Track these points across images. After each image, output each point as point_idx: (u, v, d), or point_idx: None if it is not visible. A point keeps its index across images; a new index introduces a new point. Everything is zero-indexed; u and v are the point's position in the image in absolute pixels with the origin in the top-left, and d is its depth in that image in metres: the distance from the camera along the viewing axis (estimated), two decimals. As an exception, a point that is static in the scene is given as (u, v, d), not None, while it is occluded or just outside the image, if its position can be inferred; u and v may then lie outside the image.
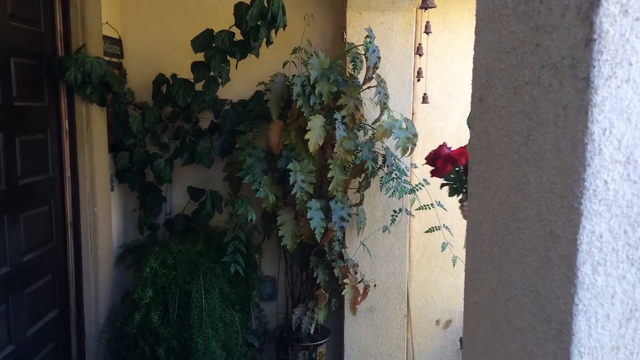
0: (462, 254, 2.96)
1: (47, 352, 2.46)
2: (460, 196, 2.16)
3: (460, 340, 3.33)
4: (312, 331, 2.91)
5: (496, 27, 0.82)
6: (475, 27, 0.90)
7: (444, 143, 2.22)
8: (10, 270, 2.16)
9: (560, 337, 0.65)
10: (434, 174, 2.25)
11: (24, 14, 2.28)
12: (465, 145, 2.14)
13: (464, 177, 2.11)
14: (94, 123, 2.65)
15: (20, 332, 2.24)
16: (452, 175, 2.15)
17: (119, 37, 3.00)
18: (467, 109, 2.92)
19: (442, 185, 2.25)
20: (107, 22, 2.82)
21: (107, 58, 2.72)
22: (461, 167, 2.12)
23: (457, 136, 3.16)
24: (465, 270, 0.95)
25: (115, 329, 2.71)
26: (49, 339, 2.48)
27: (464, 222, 3.63)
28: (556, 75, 0.66)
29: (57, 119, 2.55)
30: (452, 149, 2.18)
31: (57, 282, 2.56)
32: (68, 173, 2.60)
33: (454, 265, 2.88)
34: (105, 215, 2.78)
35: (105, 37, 2.80)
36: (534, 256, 0.71)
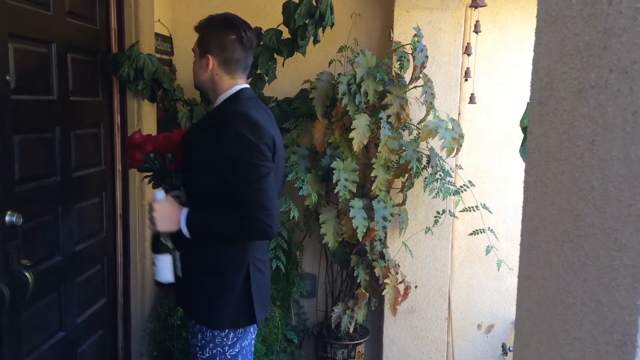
0: (507, 258, 2.91)
1: (95, 339, 2.54)
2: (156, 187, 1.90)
3: (503, 346, 3.26)
4: (351, 330, 2.91)
5: (559, 28, 0.80)
6: (536, 28, 0.88)
7: (138, 130, 1.91)
8: (63, 259, 2.24)
9: (623, 348, 0.63)
10: (131, 165, 1.98)
11: (80, 11, 2.35)
12: (166, 134, 1.90)
13: (157, 165, 1.89)
14: (144, 118, 2.73)
15: (70, 319, 2.31)
16: (147, 165, 1.92)
17: (170, 34, 3.07)
18: (516, 110, 2.85)
19: (146, 178, 2.03)
20: (158, 20, 2.89)
21: (158, 55, 2.78)
22: (152, 155, 1.88)
23: (505, 137, 3.10)
24: (519, 277, 0.93)
25: (160, 319, 2.78)
26: (97, 326, 2.56)
27: (510, 226, 3.53)
28: (626, 80, 0.64)
29: (109, 114, 2.62)
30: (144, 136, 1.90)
31: (105, 272, 2.64)
32: (119, 167, 2.67)
33: (498, 269, 2.83)
34: (152, 209, 2.84)
35: (157, 35, 2.87)
36: (596, 265, 0.69)
